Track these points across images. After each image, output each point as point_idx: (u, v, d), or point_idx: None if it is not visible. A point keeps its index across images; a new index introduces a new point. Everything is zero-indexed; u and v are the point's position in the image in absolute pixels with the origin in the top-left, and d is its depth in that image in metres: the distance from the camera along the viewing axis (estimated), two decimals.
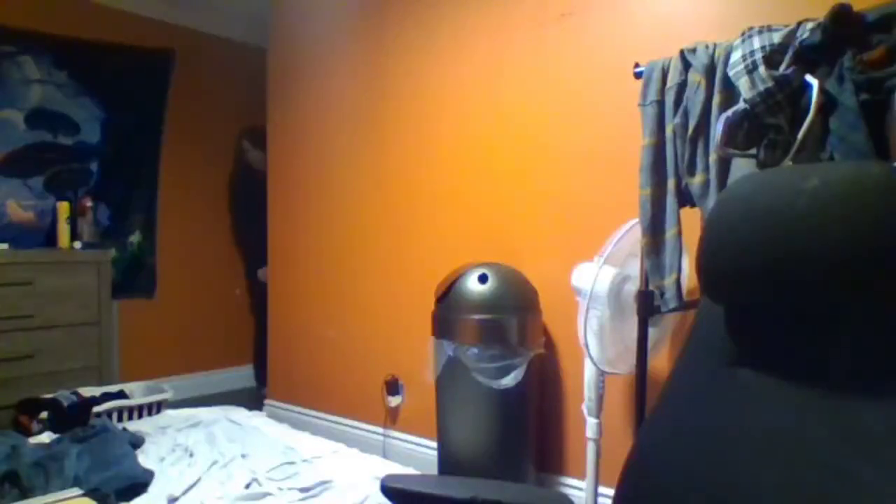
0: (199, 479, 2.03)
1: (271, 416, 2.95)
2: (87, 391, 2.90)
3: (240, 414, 2.68)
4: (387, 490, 0.98)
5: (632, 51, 1.99)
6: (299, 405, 3.31)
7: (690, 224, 1.65)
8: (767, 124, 1.39)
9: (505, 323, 2.17)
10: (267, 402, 3.49)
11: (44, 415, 2.63)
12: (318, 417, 3.19)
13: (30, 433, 2.48)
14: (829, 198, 0.70)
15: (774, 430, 0.75)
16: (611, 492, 1.00)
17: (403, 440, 2.84)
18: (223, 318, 4.25)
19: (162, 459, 2.18)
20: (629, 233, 1.81)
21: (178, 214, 3.96)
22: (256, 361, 4.31)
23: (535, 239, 2.44)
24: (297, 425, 2.72)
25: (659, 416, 0.91)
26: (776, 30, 1.41)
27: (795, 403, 0.74)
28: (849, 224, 0.68)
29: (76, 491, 1.73)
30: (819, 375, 0.73)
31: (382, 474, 1.10)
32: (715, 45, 1.53)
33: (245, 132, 4.15)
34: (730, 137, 1.44)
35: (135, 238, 3.75)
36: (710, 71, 1.52)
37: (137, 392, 3.10)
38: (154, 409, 2.99)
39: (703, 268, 0.83)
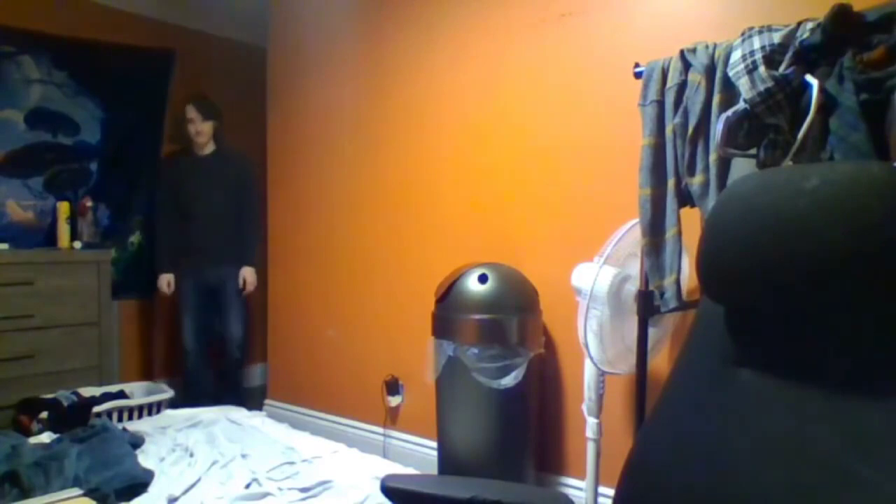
0: (199, 479, 2.03)
1: (271, 416, 2.95)
2: (87, 391, 2.90)
3: (240, 414, 2.68)
4: (387, 490, 0.98)
5: (632, 51, 1.99)
6: (299, 405, 3.31)
7: (690, 224, 1.65)
8: (767, 124, 1.39)
9: (505, 323, 2.17)
10: (267, 402, 3.49)
11: (44, 415, 2.63)
12: (318, 417, 3.19)
13: (30, 433, 2.48)
14: (830, 198, 0.70)
15: (774, 430, 0.75)
16: (611, 492, 1.00)
17: (403, 440, 2.84)
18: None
19: (162, 459, 2.18)
20: (629, 233, 1.81)
21: None
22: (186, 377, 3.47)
23: (535, 239, 2.44)
24: (297, 425, 2.72)
25: (659, 416, 0.91)
26: (776, 30, 1.41)
27: (796, 404, 0.74)
28: (849, 224, 0.68)
29: (76, 491, 1.73)
30: (819, 375, 0.73)
31: (382, 474, 1.10)
32: (715, 45, 1.53)
33: (192, 98, 3.47)
34: (730, 137, 1.44)
35: (135, 238, 3.74)
36: (710, 71, 1.52)
37: (137, 392, 3.11)
38: (154, 409, 2.99)
39: (703, 268, 0.83)
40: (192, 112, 3.41)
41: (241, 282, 3.41)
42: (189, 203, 3.42)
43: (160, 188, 3.54)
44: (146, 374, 3.66)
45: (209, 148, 3.48)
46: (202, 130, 3.41)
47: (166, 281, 3.45)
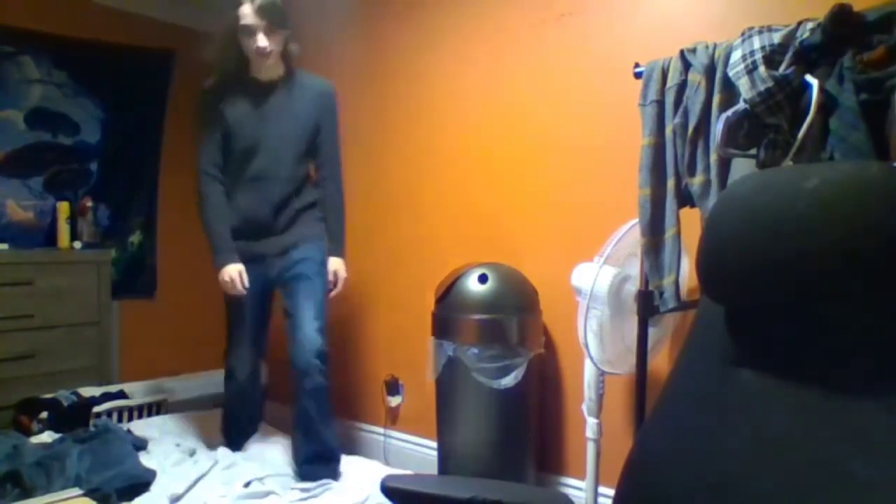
0: (201, 478, 2.03)
1: (271, 416, 2.96)
2: (87, 391, 2.90)
3: None
4: (387, 490, 0.98)
5: (632, 51, 1.99)
6: None
7: (690, 224, 1.65)
8: (767, 124, 1.39)
9: (505, 323, 2.17)
10: (267, 402, 3.48)
11: (44, 415, 2.63)
12: None
13: (30, 433, 2.49)
14: (830, 198, 0.70)
15: (774, 430, 0.75)
16: (611, 492, 1.00)
17: (403, 440, 2.84)
18: (223, 317, 4.23)
19: (165, 459, 2.18)
20: (629, 233, 1.81)
21: (178, 214, 3.94)
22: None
23: (535, 239, 2.44)
24: None
25: (659, 416, 0.91)
26: (776, 30, 1.41)
27: (796, 404, 0.74)
28: (849, 224, 0.68)
29: (77, 490, 1.73)
30: (819, 376, 0.73)
31: (382, 475, 1.10)
32: (715, 45, 1.53)
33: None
34: (730, 137, 1.44)
35: (135, 238, 3.74)
36: (710, 71, 1.52)
37: (137, 392, 3.10)
38: (154, 409, 2.99)
39: (703, 268, 0.84)
40: (250, 16, 2.16)
41: (330, 277, 2.49)
42: (247, 157, 2.30)
43: (199, 139, 2.36)
44: (147, 374, 3.65)
45: (276, 71, 2.32)
46: (267, 46, 2.19)
47: (237, 272, 2.31)
